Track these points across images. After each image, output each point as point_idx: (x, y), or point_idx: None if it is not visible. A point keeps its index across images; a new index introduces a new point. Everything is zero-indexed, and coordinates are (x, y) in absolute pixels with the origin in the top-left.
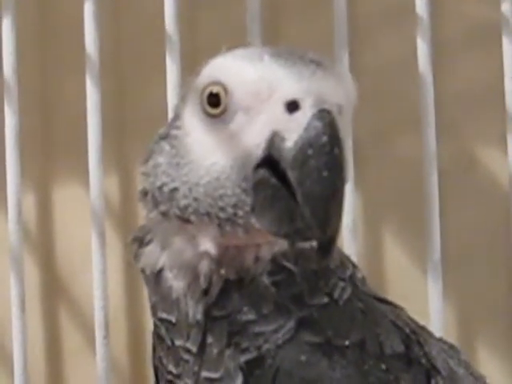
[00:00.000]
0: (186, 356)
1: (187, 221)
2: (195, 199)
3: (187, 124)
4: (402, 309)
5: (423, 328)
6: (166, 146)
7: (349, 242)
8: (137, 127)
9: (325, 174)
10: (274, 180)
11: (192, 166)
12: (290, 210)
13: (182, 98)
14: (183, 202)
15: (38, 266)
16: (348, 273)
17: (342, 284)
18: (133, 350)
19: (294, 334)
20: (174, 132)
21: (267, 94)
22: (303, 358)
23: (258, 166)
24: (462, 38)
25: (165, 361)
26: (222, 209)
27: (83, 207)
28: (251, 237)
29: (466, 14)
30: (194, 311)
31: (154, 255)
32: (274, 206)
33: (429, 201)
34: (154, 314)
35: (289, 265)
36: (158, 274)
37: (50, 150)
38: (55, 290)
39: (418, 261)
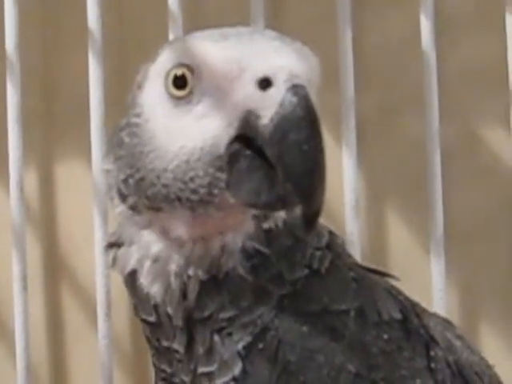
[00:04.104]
0: (177, 355)
1: (158, 209)
2: (164, 185)
3: (147, 110)
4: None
5: (416, 303)
6: (125, 137)
7: (351, 219)
8: None
9: (305, 147)
10: (248, 151)
11: (158, 152)
12: (269, 178)
13: (138, 86)
14: (151, 191)
15: (39, 242)
16: (324, 241)
17: (318, 253)
18: (135, 328)
19: (284, 308)
20: (133, 120)
21: (237, 73)
22: (305, 328)
23: (232, 143)
24: (465, 16)
25: (155, 360)
26: (194, 191)
27: (85, 184)
28: (224, 217)
29: None
30: (175, 316)
31: (125, 256)
32: (252, 176)
33: (432, 179)
34: (136, 314)
35: (261, 248)
36: (133, 279)
37: (52, 127)
38: (57, 267)
39: (420, 238)
